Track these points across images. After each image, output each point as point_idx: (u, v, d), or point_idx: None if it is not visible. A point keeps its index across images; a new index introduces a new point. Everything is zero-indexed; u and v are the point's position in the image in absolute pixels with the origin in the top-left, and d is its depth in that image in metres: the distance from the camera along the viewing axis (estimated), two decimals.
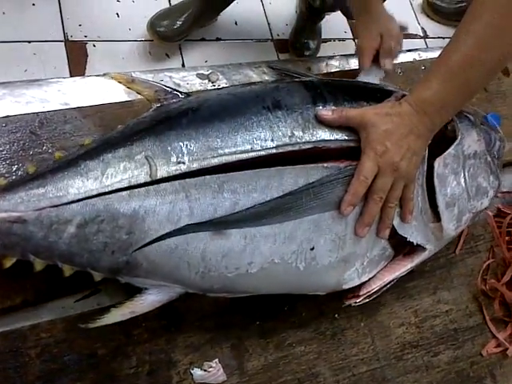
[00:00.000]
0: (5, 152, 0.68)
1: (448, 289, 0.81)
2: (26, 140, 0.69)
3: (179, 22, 1.50)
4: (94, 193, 0.55)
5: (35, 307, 0.64)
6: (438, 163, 0.68)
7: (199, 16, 1.55)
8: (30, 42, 1.44)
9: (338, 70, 0.92)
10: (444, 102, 0.63)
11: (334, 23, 1.79)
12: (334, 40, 1.84)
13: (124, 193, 0.56)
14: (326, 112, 0.63)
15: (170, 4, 1.63)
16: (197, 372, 0.65)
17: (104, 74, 0.76)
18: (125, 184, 0.56)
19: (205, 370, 0.65)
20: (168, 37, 1.51)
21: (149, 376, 0.64)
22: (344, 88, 0.70)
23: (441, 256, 0.81)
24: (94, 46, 1.49)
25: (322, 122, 0.63)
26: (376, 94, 0.69)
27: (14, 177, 0.67)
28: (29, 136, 0.70)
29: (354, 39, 1.88)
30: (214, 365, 0.66)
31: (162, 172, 0.57)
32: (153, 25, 1.48)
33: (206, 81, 0.84)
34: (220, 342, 0.68)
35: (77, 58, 1.45)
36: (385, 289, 0.69)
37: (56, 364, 0.61)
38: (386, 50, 0.82)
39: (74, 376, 0.61)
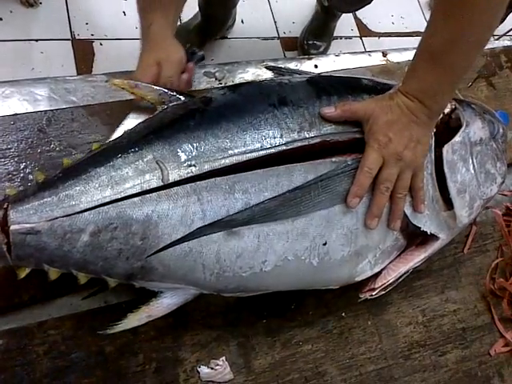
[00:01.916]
0: (13, 150, 0.68)
1: (456, 288, 0.80)
2: (34, 138, 0.70)
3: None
4: (107, 200, 0.55)
5: (43, 304, 0.64)
6: (446, 150, 0.68)
7: (203, 38, 1.55)
8: (37, 40, 1.44)
9: (345, 68, 0.91)
10: (434, 88, 0.62)
11: (341, 22, 1.79)
12: (341, 38, 1.84)
13: (136, 199, 0.56)
14: (329, 109, 0.63)
15: None
16: (204, 370, 0.65)
17: (106, 81, 0.76)
18: (137, 190, 0.56)
19: (212, 368, 0.65)
20: None
21: (156, 373, 0.64)
22: (345, 82, 0.70)
23: (449, 255, 0.81)
24: (101, 44, 1.50)
25: (328, 120, 0.63)
26: (377, 87, 0.69)
27: (22, 174, 0.67)
28: (36, 134, 0.70)
29: (360, 37, 1.88)
30: (220, 363, 0.66)
31: (173, 176, 0.57)
32: None
33: (213, 79, 0.83)
34: (227, 340, 0.67)
35: (83, 57, 1.46)
36: (400, 280, 0.68)
37: (63, 361, 0.61)
38: (163, 79, 0.69)
39: (81, 373, 0.61)
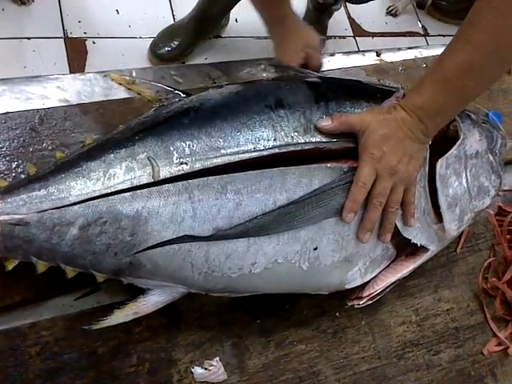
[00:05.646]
0: (4, 149, 0.68)
1: (449, 287, 0.80)
2: (26, 137, 0.69)
3: (176, 43, 1.52)
4: (97, 194, 0.55)
5: (35, 305, 0.63)
6: (440, 164, 0.68)
7: (197, 36, 1.56)
8: (29, 38, 1.43)
9: (339, 67, 0.91)
10: (439, 109, 0.63)
11: (336, 21, 1.79)
12: (335, 37, 1.84)
13: (127, 194, 0.55)
14: (326, 122, 0.63)
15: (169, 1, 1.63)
16: (197, 370, 0.65)
17: (104, 75, 0.76)
18: (127, 185, 0.56)
19: (205, 369, 0.65)
20: (169, 58, 1.53)
21: (149, 374, 0.63)
22: (345, 87, 0.70)
23: (442, 255, 0.81)
24: (94, 42, 1.49)
25: (324, 132, 0.63)
26: (376, 94, 0.69)
27: (13, 174, 0.67)
28: (29, 133, 0.69)
29: (354, 37, 1.88)
30: (214, 363, 0.65)
31: (164, 173, 0.57)
32: (153, 49, 1.51)
33: (207, 78, 0.83)
34: (221, 341, 0.67)
35: (76, 55, 1.45)
36: (387, 290, 0.69)
37: (56, 362, 0.61)
38: (314, 66, 0.78)
39: (74, 374, 0.61)
